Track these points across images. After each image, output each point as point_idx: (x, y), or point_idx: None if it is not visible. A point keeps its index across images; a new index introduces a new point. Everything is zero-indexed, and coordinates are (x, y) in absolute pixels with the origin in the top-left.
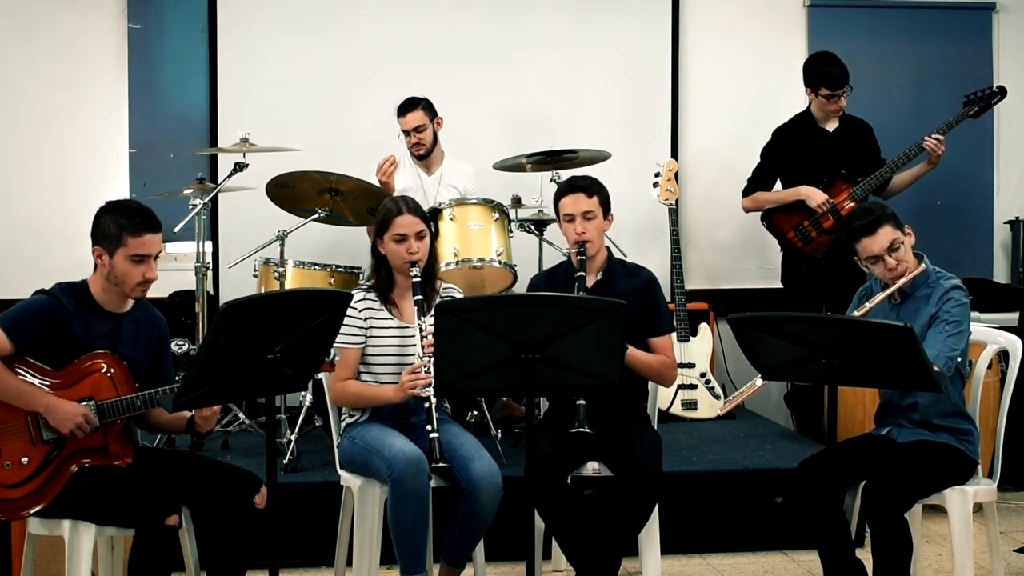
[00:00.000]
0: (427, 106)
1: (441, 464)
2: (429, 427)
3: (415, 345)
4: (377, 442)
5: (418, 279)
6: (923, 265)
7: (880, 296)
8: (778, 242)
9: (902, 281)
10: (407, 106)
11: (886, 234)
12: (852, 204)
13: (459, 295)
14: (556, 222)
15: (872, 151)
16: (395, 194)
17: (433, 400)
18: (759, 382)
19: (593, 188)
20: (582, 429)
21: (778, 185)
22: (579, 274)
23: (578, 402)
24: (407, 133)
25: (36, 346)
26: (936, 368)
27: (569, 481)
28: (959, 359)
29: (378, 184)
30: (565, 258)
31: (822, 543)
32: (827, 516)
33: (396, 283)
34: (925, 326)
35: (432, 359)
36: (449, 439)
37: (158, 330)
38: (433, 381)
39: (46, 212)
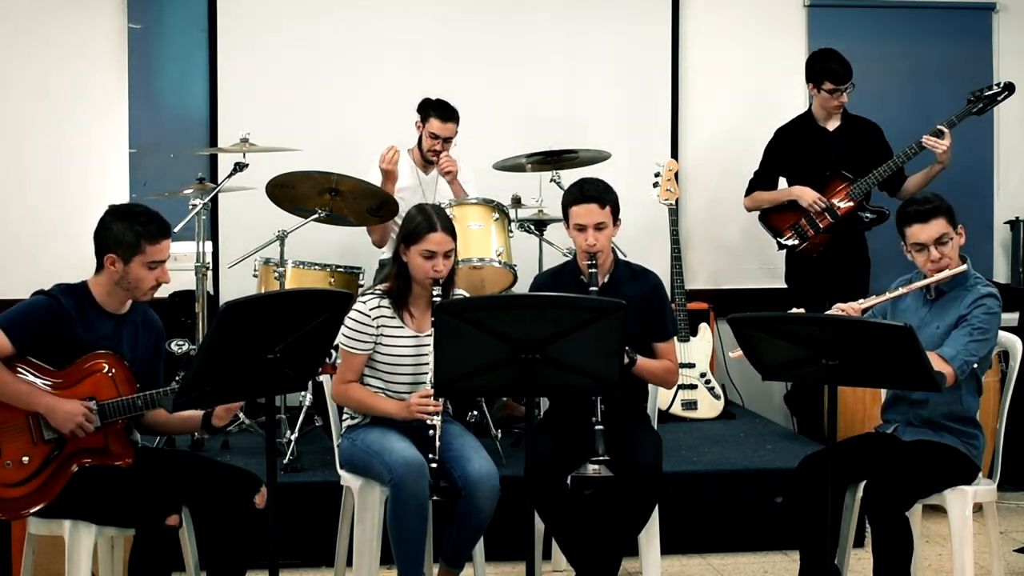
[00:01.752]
0: (458, 121)
1: (436, 498)
2: (431, 455)
3: (429, 355)
4: (378, 445)
5: (439, 297)
6: (965, 266)
7: (916, 284)
8: (776, 242)
9: (940, 276)
10: (451, 114)
11: (938, 226)
12: (851, 203)
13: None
14: (556, 222)
15: (878, 152)
16: (395, 194)
17: (439, 429)
18: None
19: (605, 197)
20: (603, 458)
21: (783, 184)
22: (592, 288)
23: (596, 428)
24: (434, 136)
25: (36, 347)
26: (948, 368)
27: (569, 481)
28: (976, 365)
29: (380, 174)
30: (566, 258)
31: (805, 543)
32: (823, 515)
33: (413, 292)
34: (952, 326)
35: None
36: (449, 439)
37: (156, 332)
38: (442, 409)
39: (46, 212)
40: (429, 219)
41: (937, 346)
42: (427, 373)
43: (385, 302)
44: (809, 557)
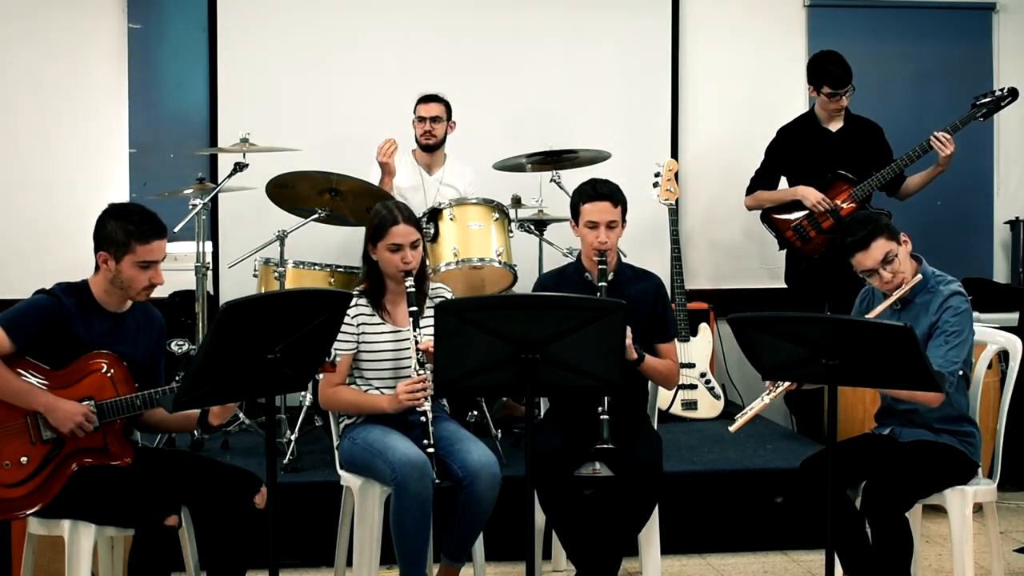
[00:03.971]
0: (447, 104)
1: (438, 481)
2: (426, 441)
3: (410, 349)
4: (380, 444)
5: (412, 289)
6: (919, 275)
7: (880, 307)
8: (778, 241)
9: (900, 292)
10: (432, 96)
11: (879, 247)
12: (853, 205)
13: (449, 295)
14: (556, 222)
15: (880, 152)
16: (394, 193)
17: (430, 415)
18: (767, 398)
19: (617, 196)
20: (607, 446)
21: (784, 184)
22: (600, 284)
23: (602, 417)
24: (422, 120)
25: (36, 346)
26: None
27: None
28: (961, 371)
29: (378, 166)
30: (566, 258)
31: (834, 539)
32: (836, 512)
33: (388, 289)
34: (925, 335)
35: (430, 372)
36: (445, 434)
37: (158, 329)
38: (430, 396)
39: (46, 212)
40: (391, 212)
41: None
42: (408, 366)
43: (363, 301)
44: (843, 550)
